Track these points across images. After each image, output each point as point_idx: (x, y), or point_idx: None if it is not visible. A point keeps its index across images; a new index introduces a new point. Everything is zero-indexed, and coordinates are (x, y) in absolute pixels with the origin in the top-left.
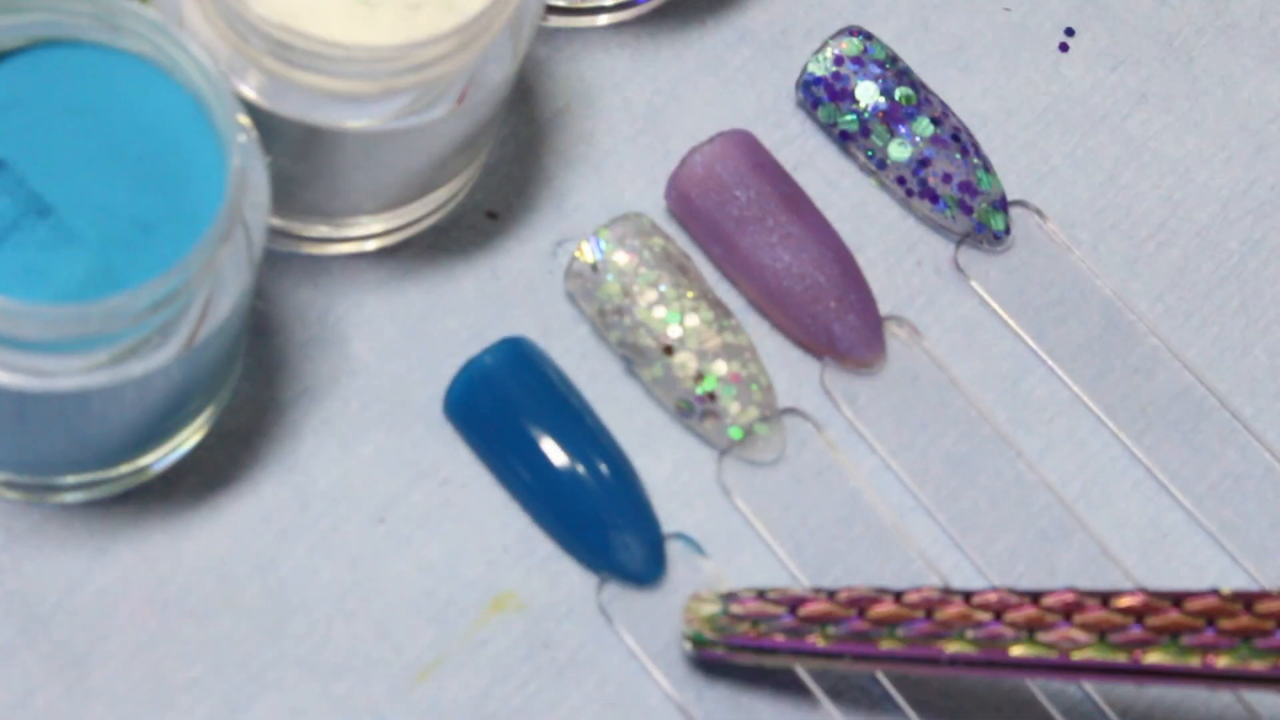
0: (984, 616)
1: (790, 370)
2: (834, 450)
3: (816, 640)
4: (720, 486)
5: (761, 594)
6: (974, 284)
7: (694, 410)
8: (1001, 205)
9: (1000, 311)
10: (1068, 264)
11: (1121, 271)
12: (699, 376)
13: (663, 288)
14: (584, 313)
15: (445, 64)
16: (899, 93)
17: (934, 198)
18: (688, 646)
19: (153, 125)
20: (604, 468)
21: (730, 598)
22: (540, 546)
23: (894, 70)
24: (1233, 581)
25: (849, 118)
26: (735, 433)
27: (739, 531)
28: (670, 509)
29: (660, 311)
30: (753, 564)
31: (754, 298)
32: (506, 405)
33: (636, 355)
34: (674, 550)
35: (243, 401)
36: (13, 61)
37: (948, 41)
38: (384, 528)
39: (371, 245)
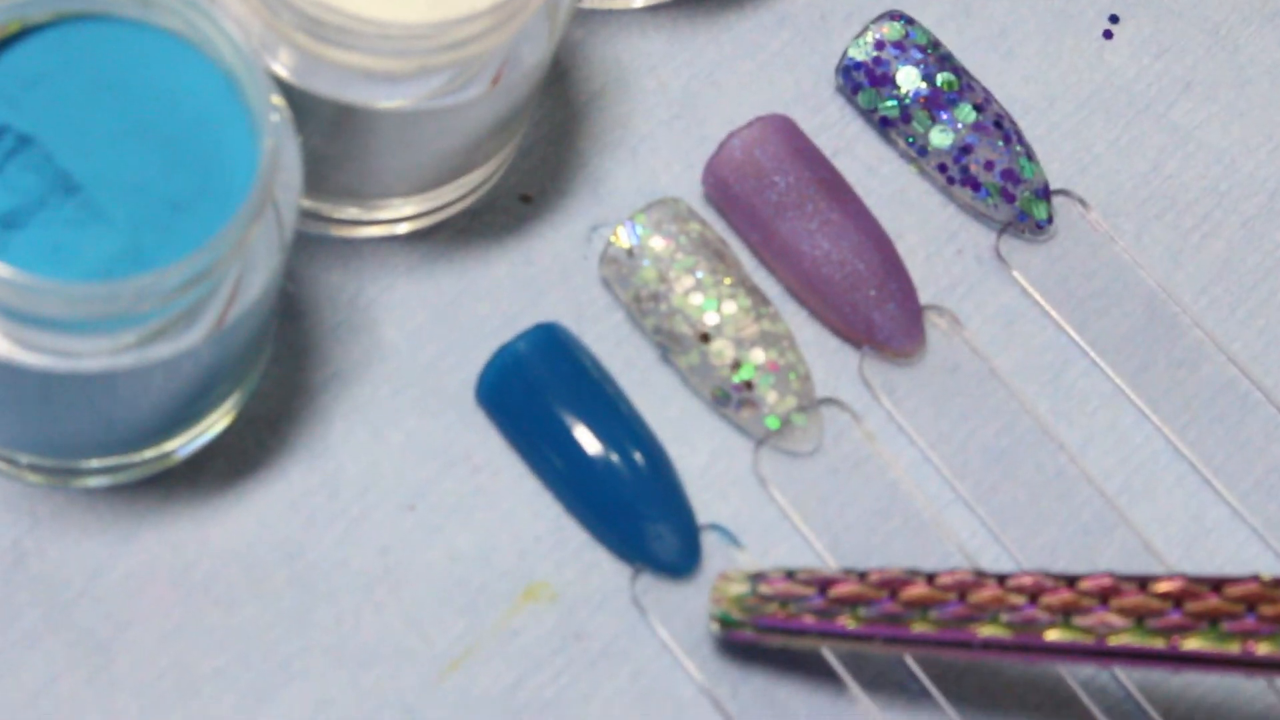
0: (1018, 600)
1: (828, 359)
2: (872, 441)
3: (847, 622)
4: (756, 477)
5: (790, 574)
6: (1015, 274)
7: (730, 399)
8: (1044, 194)
9: (1042, 302)
10: (1111, 254)
11: (1165, 262)
12: (736, 365)
13: (699, 274)
14: (619, 299)
15: (481, 43)
16: (941, 78)
17: (976, 185)
18: (714, 627)
19: (183, 102)
20: (638, 457)
21: (759, 577)
22: (573, 536)
23: (936, 55)
24: None
25: (890, 103)
26: (772, 422)
27: (775, 523)
28: (706, 499)
29: (697, 298)
30: (789, 556)
31: (792, 285)
32: (539, 392)
33: (672, 342)
34: (709, 541)
35: (271, 386)
36: (41, 36)
37: (990, 27)
38: (414, 515)
39: (403, 228)
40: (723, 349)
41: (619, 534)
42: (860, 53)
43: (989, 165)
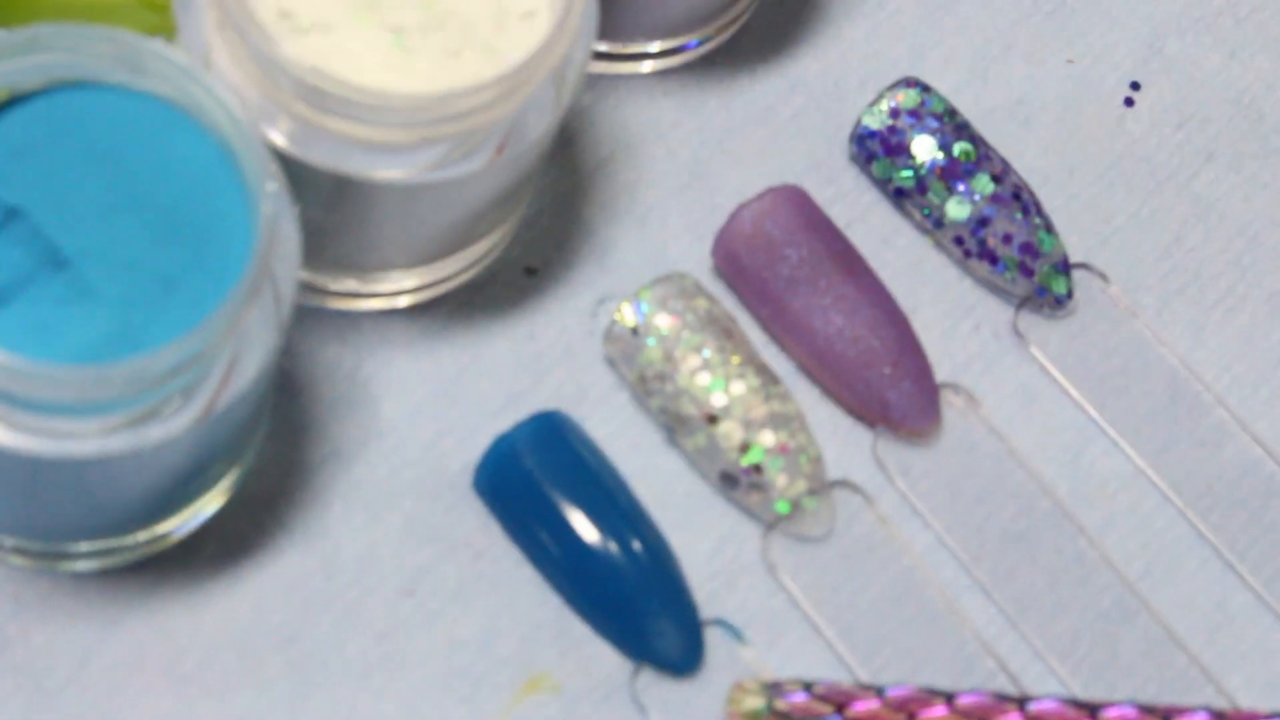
0: None
1: (841, 440)
2: (886, 525)
3: None
4: (765, 563)
5: (808, 687)
6: (1034, 350)
7: (739, 483)
8: (1064, 268)
9: (1061, 379)
10: (1132, 330)
11: (1188, 338)
12: (744, 447)
13: (706, 353)
14: (624, 378)
15: (485, 114)
16: (958, 148)
17: (993, 259)
18: None
19: (177, 173)
20: (639, 550)
21: (775, 689)
22: (576, 626)
23: (952, 124)
24: None
25: (905, 174)
26: (782, 507)
27: (784, 611)
28: (712, 587)
29: (704, 378)
30: (798, 646)
31: (803, 362)
32: (537, 485)
33: (678, 424)
34: (713, 637)
35: (267, 464)
36: (30, 104)
37: (1007, 94)
38: (413, 601)
39: (403, 301)
40: (730, 431)
41: (619, 629)
42: (875, 121)
43: (1007, 238)
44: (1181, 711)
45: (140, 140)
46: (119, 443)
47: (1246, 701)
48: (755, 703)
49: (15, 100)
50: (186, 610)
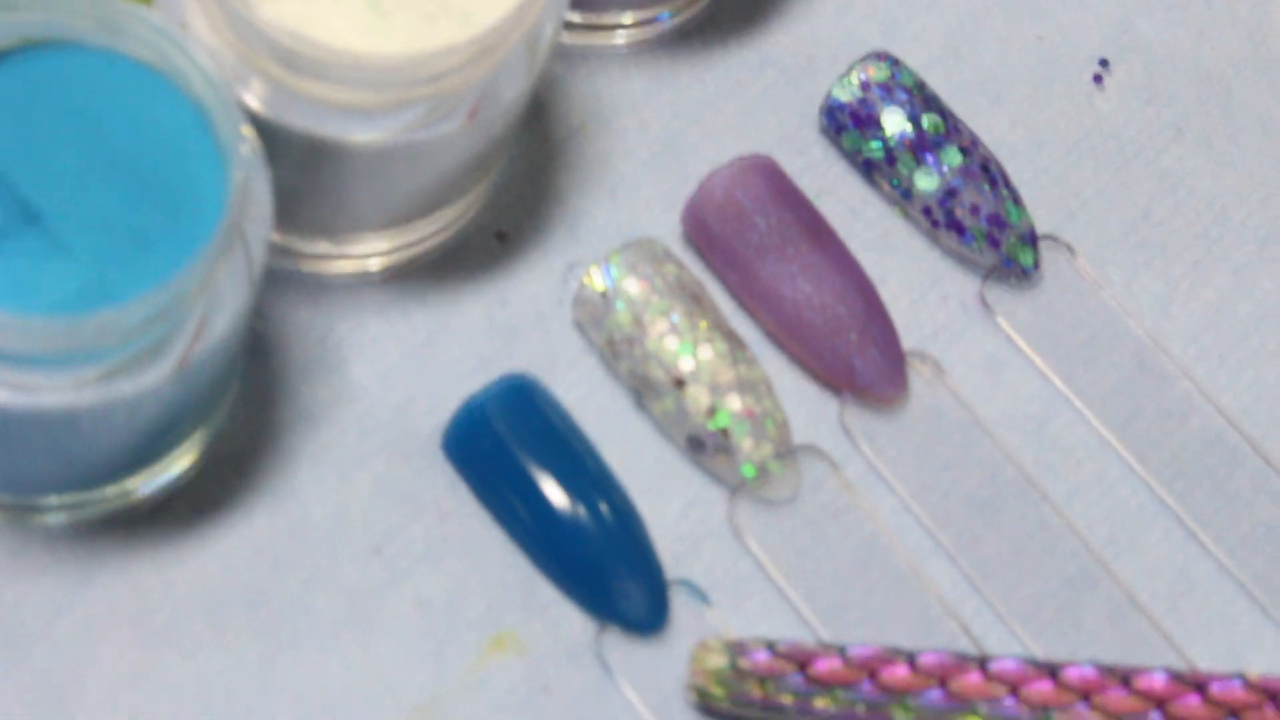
0: (999, 691)
1: (807, 406)
2: (851, 491)
3: (826, 705)
4: (731, 527)
5: (771, 647)
6: (1000, 321)
7: (705, 446)
8: (1031, 240)
9: (1027, 350)
10: (1098, 302)
11: (1154, 311)
12: (711, 411)
13: (675, 318)
14: (593, 343)
15: (458, 77)
16: (927, 121)
17: (961, 230)
18: (692, 697)
19: (151, 133)
20: (606, 513)
21: (739, 649)
22: (542, 587)
23: (922, 97)
24: (1264, 636)
25: (874, 146)
26: (748, 470)
27: (749, 574)
28: (679, 550)
29: (672, 343)
30: (762, 609)
31: (771, 329)
32: (505, 447)
33: (646, 388)
34: (678, 598)
35: (237, 425)
36: (4, 63)
37: (978, 70)
38: (381, 561)
39: (375, 265)
40: (698, 395)
41: (585, 590)
42: (845, 94)
43: (975, 210)
44: (1141, 672)
45: (116, 101)
46: (91, 397)
47: (1206, 668)
48: (718, 661)
49: None
50: (156, 568)
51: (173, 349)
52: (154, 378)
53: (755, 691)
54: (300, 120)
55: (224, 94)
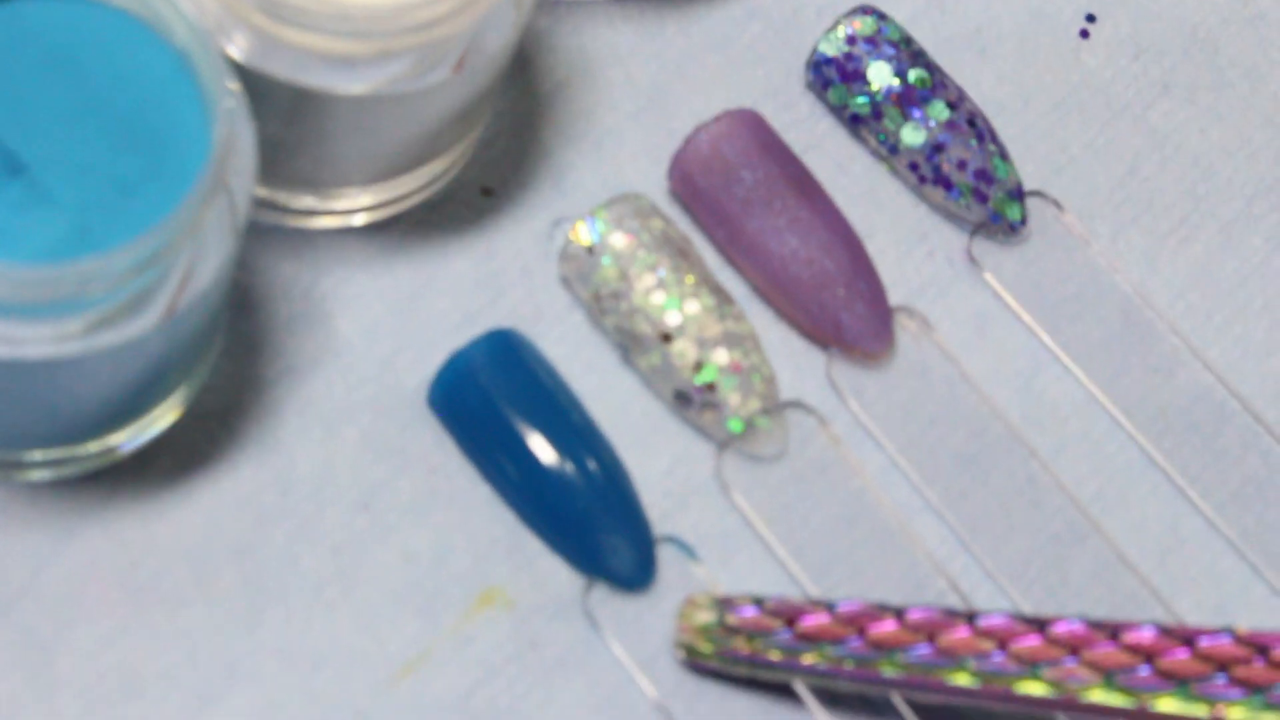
0: (988, 646)
1: (794, 361)
2: (839, 446)
3: (814, 661)
4: (719, 482)
5: (759, 603)
6: (988, 276)
7: (692, 401)
8: (1018, 195)
9: (1014, 305)
10: (1086, 258)
11: (1141, 267)
12: (698, 366)
13: (662, 272)
14: (579, 297)
15: (444, 26)
16: (913, 75)
17: (948, 185)
18: (680, 654)
19: (134, 82)
20: (593, 468)
21: (726, 605)
22: (530, 541)
23: (908, 51)
24: (1252, 592)
25: (860, 100)
26: (735, 425)
27: (737, 530)
28: (666, 506)
29: (659, 297)
30: (750, 565)
31: (758, 284)
32: (491, 402)
33: (633, 343)
34: (665, 554)
35: (221, 379)
36: None
37: (964, 24)
38: (368, 515)
39: (360, 219)
40: (685, 350)
41: (572, 546)
42: (831, 48)
43: (962, 165)
44: (1129, 626)
45: (98, 49)
46: (74, 348)
47: (1195, 623)
48: (706, 617)
49: None
50: (140, 522)
51: (157, 300)
52: (138, 329)
53: (743, 647)
54: (285, 70)
55: (208, 44)
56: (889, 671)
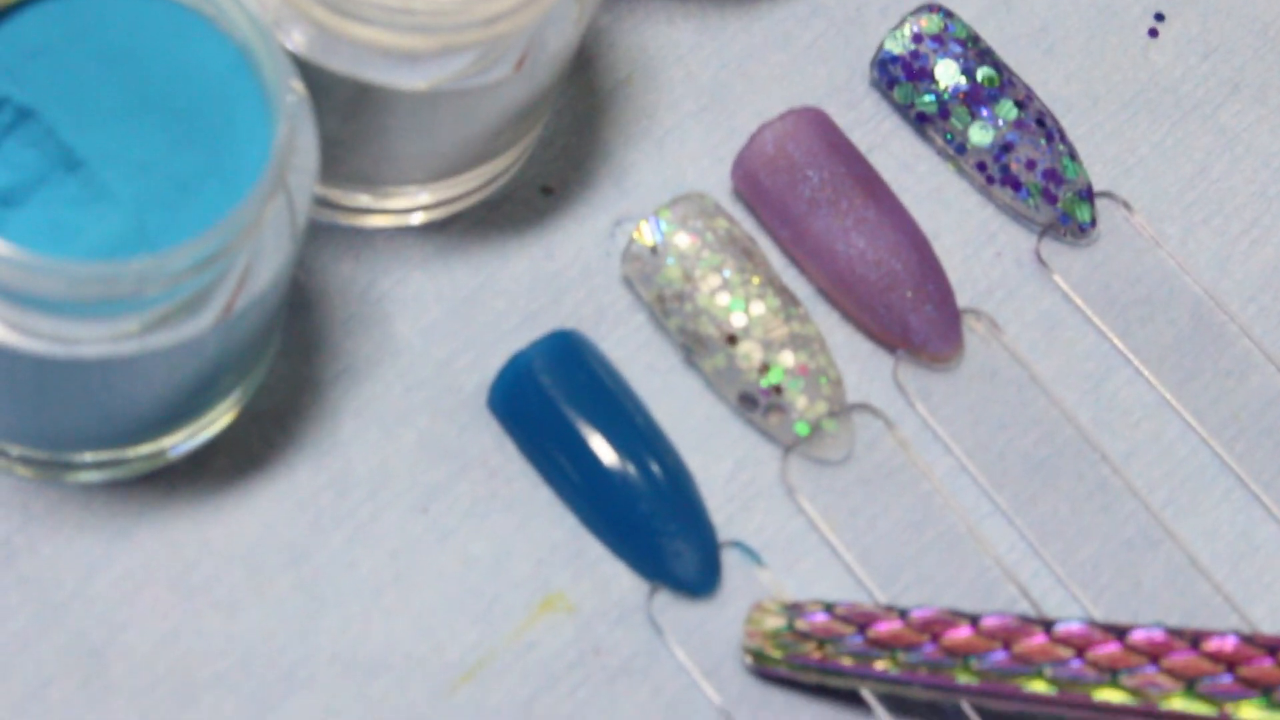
0: (1065, 653)
1: (861, 363)
2: (906, 449)
3: (886, 667)
4: (784, 486)
5: (829, 608)
6: (1057, 278)
7: (758, 404)
8: (1087, 195)
9: (1084, 307)
10: (1156, 259)
11: (1212, 269)
12: (764, 368)
13: (726, 273)
14: (642, 298)
15: (506, 22)
16: (981, 73)
17: (1016, 185)
18: (748, 660)
19: (194, 77)
20: (657, 471)
21: (796, 610)
22: (592, 546)
23: (976, 50)
24: None
25: (927, 99)
26: (802, 429)
27: (802, 535)
28: (730, 510)
29: (723, 298)
30: (816, 570)
31: (824, 285)
32: (553, 404)
33: (697, 344)
34: (730, 559)
35: (278, 380)
36: (45, 4)
37: (1031, 22)
38: (426, 519)
39: (418, 218)
40: (750, 351)
41: (636, 551)
42: (897, 46)
43: (1030, 164)
44: (1210, 634)
45: (157, 43)
46: (130, 348)
47: (1269, 630)
48: (776, 623)
49: (31, 0)
50: (195, 525)
51: (214, 301)
52: (195, 329)
53: (813, 653)
54: (345, 66)
55: (269, 39)
56: (964, 678)
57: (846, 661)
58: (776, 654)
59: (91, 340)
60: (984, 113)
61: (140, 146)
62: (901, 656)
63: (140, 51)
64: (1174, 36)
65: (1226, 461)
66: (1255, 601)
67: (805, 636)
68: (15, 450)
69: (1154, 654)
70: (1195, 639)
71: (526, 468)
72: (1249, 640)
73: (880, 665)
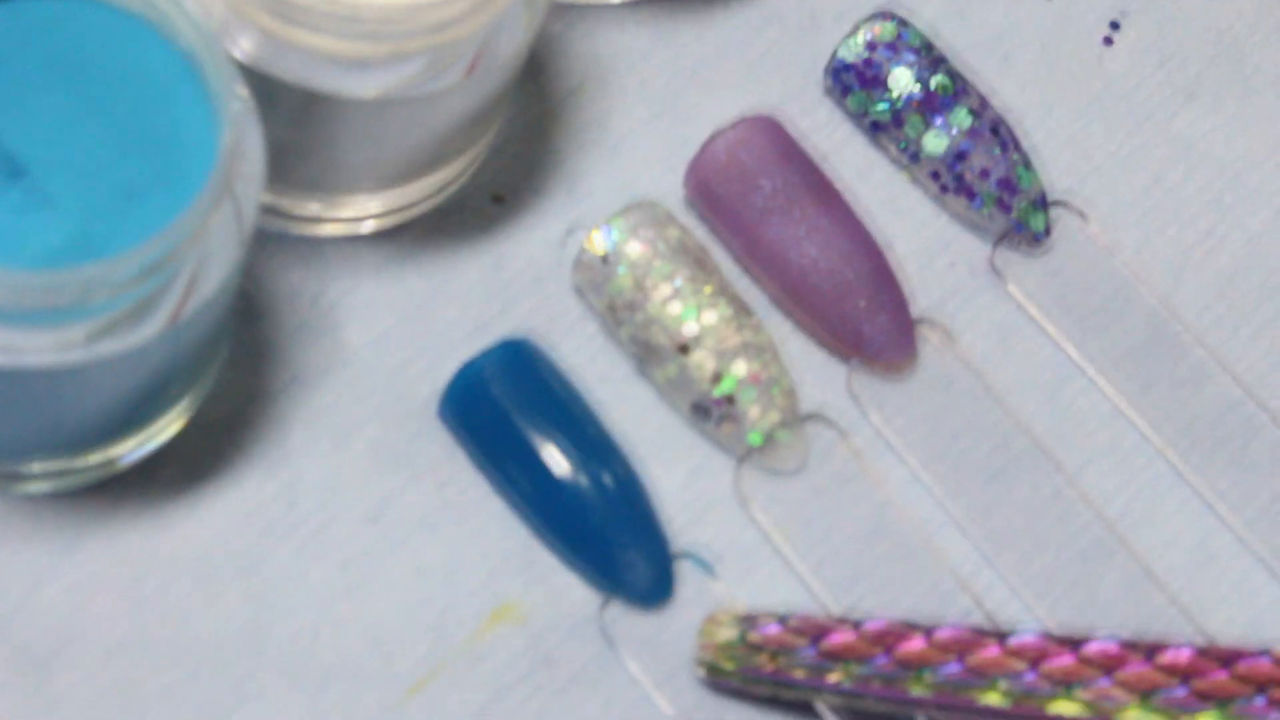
0: (1020, 665)
1: (815, 373)
2: (860, 459)
3: (840, 679)
4: (737, 497)
5: (782, 620)
6: (1011, 287)
7: (710, 413)
8: (1042, 204)
9: (1038, 317)
10: (1110, 269)
11: (1167, 278)
12: (716, 377)
13: (678, 282)
14: (593, 307)
15: (456, 29)
16: (935, 81)
17: (970, 194)
18: (700, 672)
19: (139, 84)
20: (609, 482)
21: (749, 622)
22: (544, 557)
23: (930, 57)
24: None
25: (881, 107)
26: (755, 439)
27: (755, 545)
28: (683, 521)
29: (676, 307)
30: (769, 581)
31: (777, 294)
32: (504, 413)
33: (649, 354)
34: (683, 570)
35: (227, 389)
36: None
37: (986, 30)
38: (377, 529)
39: (368, 226)
40: (702, 361)
41: (587, 562)
42: (850, 53)
43: (984, 173)
44: (1165, 646)
45: (102, 50)
46: (76, 357)
47: (1225, 641)
48: (728, 634)
49: None
50: (143, 535)
51: (161, 308)
52: (142, 337)
53: (766, 665)
54: (293, 72)
55: (214, 45)
56: (918, 690)
57: (799, 674)
58: (729, 666)
59: (37, 350)
60: (938, 120)
61: (85, 154)
62: (855, 669)
63: (84, 58)
64: (1129, 44)
65: (1182, 472)
66: (1211, 613)
67: (758, 649)
68: None
69: (1109, 666)
70: (1150, 651)
71: (478, 478)
72: (1204, 652)
73: (833, 677)
